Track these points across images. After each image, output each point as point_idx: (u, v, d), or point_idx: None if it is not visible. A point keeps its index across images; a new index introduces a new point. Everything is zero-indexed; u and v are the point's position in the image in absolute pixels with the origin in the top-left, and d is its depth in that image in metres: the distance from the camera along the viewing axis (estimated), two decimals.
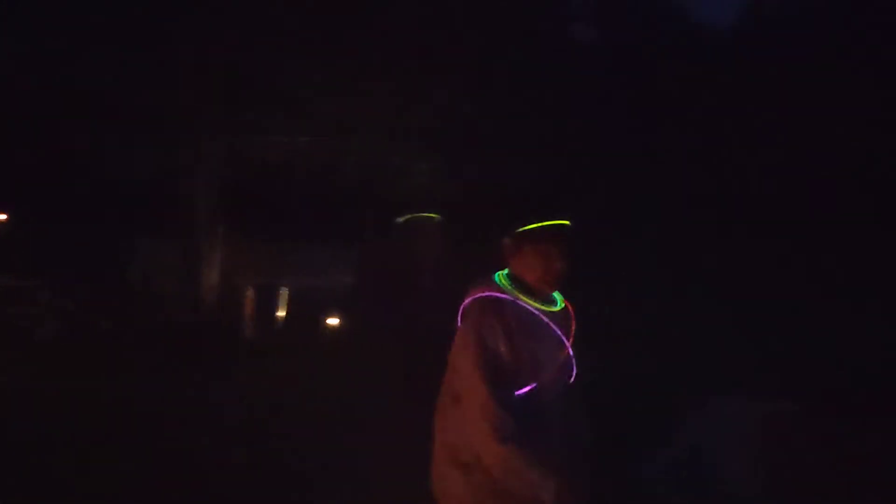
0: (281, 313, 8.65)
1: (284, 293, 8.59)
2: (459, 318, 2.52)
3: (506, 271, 2.55)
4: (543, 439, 2.36)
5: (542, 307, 2.49)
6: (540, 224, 2.49)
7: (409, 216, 3.43)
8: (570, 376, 2.55)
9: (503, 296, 2.45)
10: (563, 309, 2.59)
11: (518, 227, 2.51)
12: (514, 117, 8.23)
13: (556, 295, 2.61)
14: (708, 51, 9.02)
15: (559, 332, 2.50)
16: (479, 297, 2.45)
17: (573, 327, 2.58)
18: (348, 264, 7.68)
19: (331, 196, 10.76)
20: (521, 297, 2.47)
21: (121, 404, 5.53)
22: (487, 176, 8.32)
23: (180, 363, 6.79)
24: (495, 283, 2.51)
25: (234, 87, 8.62)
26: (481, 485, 2.38)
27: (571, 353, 2.55)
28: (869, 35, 7.43)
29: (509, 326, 2.39)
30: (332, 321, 7.85)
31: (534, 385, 2.40)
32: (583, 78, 8.04)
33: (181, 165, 9.28)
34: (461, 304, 2.52)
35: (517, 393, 2.38)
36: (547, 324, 2.48)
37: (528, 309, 2.46)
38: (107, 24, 8.08)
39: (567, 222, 2.50)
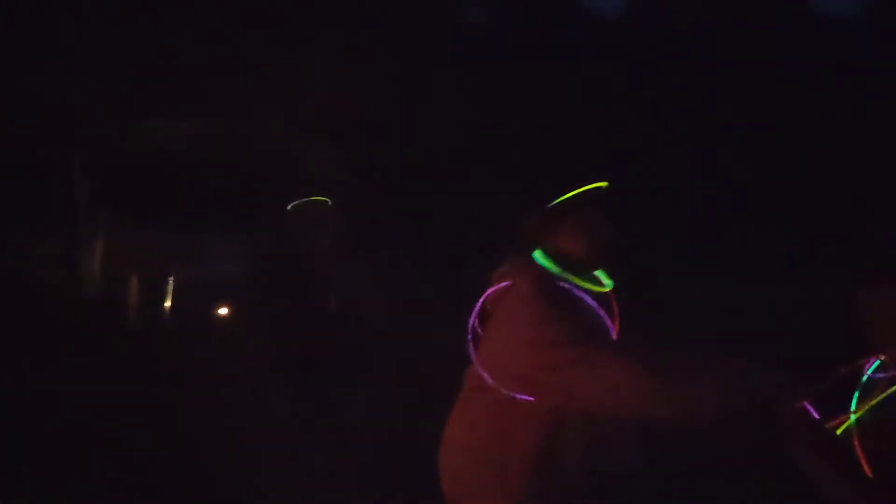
0: (167, 304, 8.36)
1: (170, 283, 8.29)
2: (476, 314, 2.30)
3: (543, 250, 2.32)
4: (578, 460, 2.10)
5: (594, 288, 2.28)
6: (576, 191, 2.27)
7: (299, 201, 3.34)
8: None
9: (558, 277, 2.23)
10: (609, 290, 2.37)
11: (549, 203, 2.28)
12: (409, 101, 8.19)
13: (601, 274, 2.39)
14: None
15: (606, 317, 2.28)
16: (536, 277, 2.20)
17: (616, 310, 2.37)
18: (239, 253, 7.49)
19: (220, 183, 10.45)
20: (570, 276, 2.24)
21: None
22: (383, 160, 8.25)
23: (59, 357, 6.48)
24: (536, 262, 2.27)
25: (112, 65, 8.22)
26: (514, 479, 2.14)
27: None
28: None
29: (569, 310, 2.16)
30: (222, 311, 7.63)
31: None
32: (475, 60, 8.07)
33: (57, 149, 8.80)
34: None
35: None
36: (594, 308, 2.26)
37: (581, 293, 2.24)
38: None
39: (604, 184, 2.30)
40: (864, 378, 1.77)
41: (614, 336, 2.27)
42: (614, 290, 2.35)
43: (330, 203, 3.39)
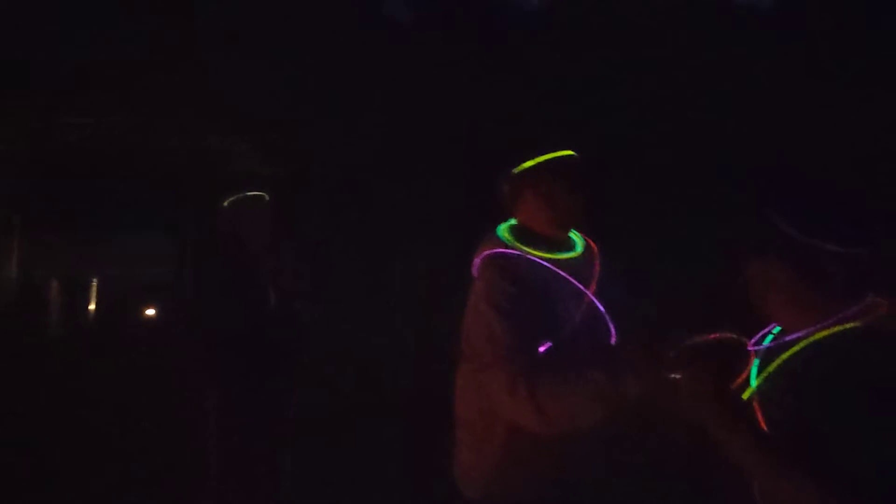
0: (91, 307, 8.15)
1: (94, 286, 8.08)
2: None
3: (510, 222, 2.23)
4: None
5: (556, 256, 2.15)
6: (537, 160, 2.14)
7: (235, 197, 3.31)
8: (607, 333, 2.16)
9: (510, 251, 2.13)
10: (583, 252, 2.24)
11: (513, 169, 2.16)
12: (336, 93, 8.15)
13: (575, 236, 2.28)
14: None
15: (576, 282, 2.14)
16: (485, 256, 2.14)
17: (597, 270, 2.21)
18: (168, 253, 7.36)
19: (144, 182, 10.21)
20: (529, 250, 2.13)
21: None
22: (311, 154, 8.18)
23: None
24: (498, 237, 2.17)
25: (24, 67, 7.92)
26: (491, 459, 2.07)
27: (598, 302, 2.15)
28: None
29: (519, 285, 2.04)
30: (150, 312, 7.51)
31: (548, 344, 2.03)
32: (401, 51, 8.08)
33: None
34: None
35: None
36: (562, 276, 2.12)
37: (538, 263, 2.12)
38: None
39: (570, 152, 2.16)
40: (764, 346, 1.86)
41: (587, 299, 2.13)
42: (593, 250, 2.26)
43: (267, 198, 3.37)
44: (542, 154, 2.16)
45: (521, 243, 2.15)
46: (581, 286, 2.16)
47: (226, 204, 3.36)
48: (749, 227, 1.75)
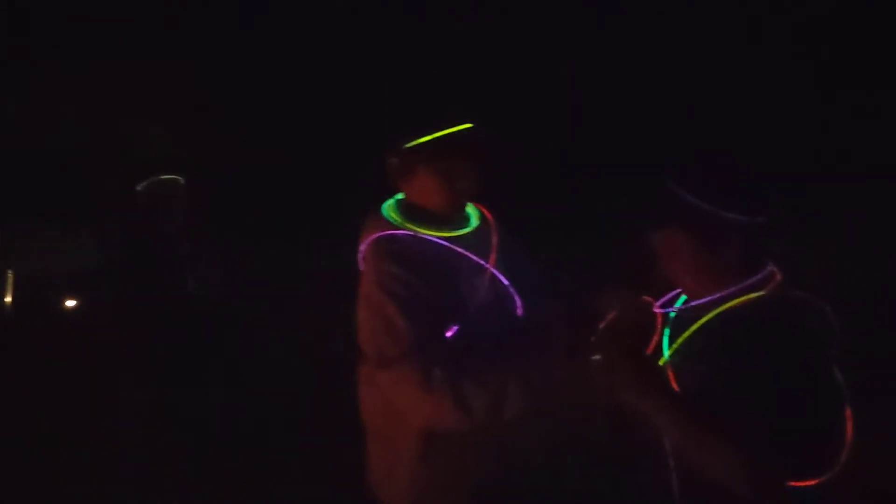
0: (7, 299, 7.84)
1: (9, 276, 7.77)
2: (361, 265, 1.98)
3: (396, 198, 2.08)
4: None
5: (451, 234, 2.00)
6: (434, 135, 1.92)
7: (149, 181, 3.22)
8: (513, 306, 2.05)
9: (399, 232, 1.97)
10: (479, 225, 2.11)
11: (406, 142, 1.96)
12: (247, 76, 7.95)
13: (470, 209, 2.13)
14: None
15: (474, 257, 2.01)
16: (371, 241, 1.97)
17: (495, 241, 2.09)
18: (85, 242, 7.13)
19: (55, 169, 9.83)
20: (421, 228, 1.98)
21: None
22: (227, 137, 7.95)
23: None
24: (384, 217, 2.01)
25: None
26: (409, 460, 1.92)
27: (501, 275, 2.04)
28: None
29: (413, 267, 1.89)
30: (70, 303, 7.27)
31: (455, 328, 1.89)
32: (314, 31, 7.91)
33: None
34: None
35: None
36: (459, 253, 2.00)
37: (432, 241, 1.97)
38: None
39: (470, 125, 1.95)
40: (672, 313, 1.92)
41: (488, 273, 2.01)
42: (489, 221, 2.14)
43: (182, 181, 3.28)
44: (440, 128, 1.93)
45: (411, 222, 2.00)
46: (480, 260, 2.02)
47: (140, 188, 3.27)
48: (653, 196, 1.79)
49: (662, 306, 1.92)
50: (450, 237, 2.00)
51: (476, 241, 2.07)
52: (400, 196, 2.08)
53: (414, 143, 1.95)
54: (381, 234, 1.97)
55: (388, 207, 2.05)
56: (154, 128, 9.14)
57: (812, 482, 1.58)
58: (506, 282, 2.05)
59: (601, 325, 1.83)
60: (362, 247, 2.01)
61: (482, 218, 2.16)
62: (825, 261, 3.90)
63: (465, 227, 2.09)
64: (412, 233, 1.97)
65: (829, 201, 4.66)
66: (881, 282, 4.41)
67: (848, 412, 1.62)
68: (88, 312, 7.02)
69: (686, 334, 1.82)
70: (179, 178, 3.27)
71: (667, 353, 1.85)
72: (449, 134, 1.91)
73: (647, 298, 1.91)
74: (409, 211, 2.02)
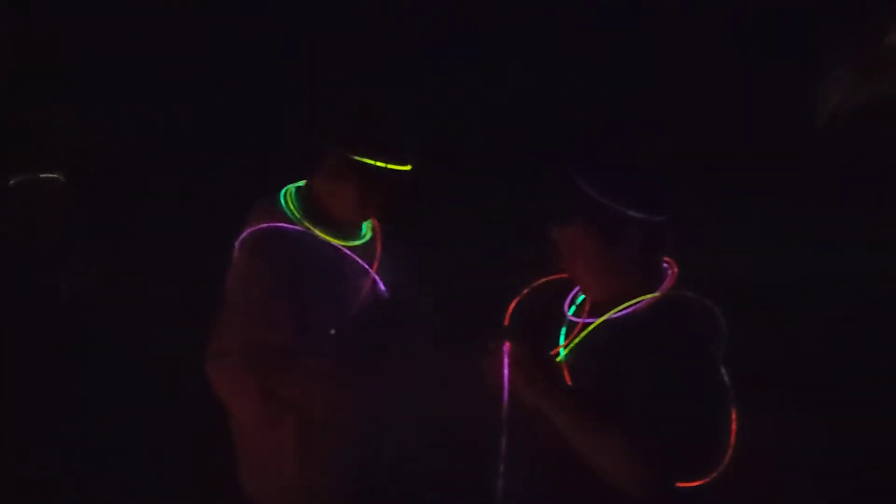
0: None
1: None
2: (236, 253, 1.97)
3: (299, 186, 2.07)
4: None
5: (347, 244, 2.05)
6: (380, 164, 1.95)
7: (23, 177, 2.99)
8: (391, 314, 2.13)
9: (290, 227, 1.96)
10: (371, 238, 2.15)
11: (353, 149, 1.97)
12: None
13: (366, 224, 2.17)
14: None
15: (362, 262, 2.07)
16: (256, 231, 1.94)
17: (379, 250, 2.16)
18: None
19: None
20: (315, 229, 1.99)
21: None
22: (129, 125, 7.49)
23: None
24: (280, 207, 2.00)
25: None
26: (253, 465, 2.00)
27: (380, 281, 2.09)
28: None
29: (293, 269, 1.91)
30: None
31: (332, 330, 1.95)
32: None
33: None
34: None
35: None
36: (347, 256, 2.05)
37: (322, 241, 2.00)
38: None
39: (408, 168, 2.03)
40: (571, 311, 1.93)
41: (370, 278, 2.08)
42: (376, 228, 2.20)
43: (61, 179, 3.08)
44: (388, 158, 1.98)
45: (309, 219, 2.02)
46: (366, 265, 2.10)
47: (12, 184, 3.05)
48: (556, 193, 1.79)
49: (562, 304, 1.94)
50: (343, 245, 2.06)
51: (365, 248, 2.14)
52: (302, 184, 2.08)
53: (358, 157, 1.97)
54: (273, 224, 1.96)
55: (287, 195, 2.04)
56: (66, 116, 8.51)
57: (697, 482, 1.61)
58: (384, 289, 2.12)
59: (504, 320, 1.84)
60: (247, 233, 1.99)
61: (373, 228, 2.22)
62: (716, 261, 4.02)
63: (360, 240, 2.15)
64: (304, 229, 1.99)
65: (723, 201, 4.79)
66: (770, 283, 4.56)
67: (734, 413, 1.66)
68: None
69: (583, 334, 1.83)
70: (59, 176, 3.06)
71: (563, 351, 1.85)
72: (391, 170, 1.98)
73: (547, 295, 1.91)
74: (312, 209, 2.03)
